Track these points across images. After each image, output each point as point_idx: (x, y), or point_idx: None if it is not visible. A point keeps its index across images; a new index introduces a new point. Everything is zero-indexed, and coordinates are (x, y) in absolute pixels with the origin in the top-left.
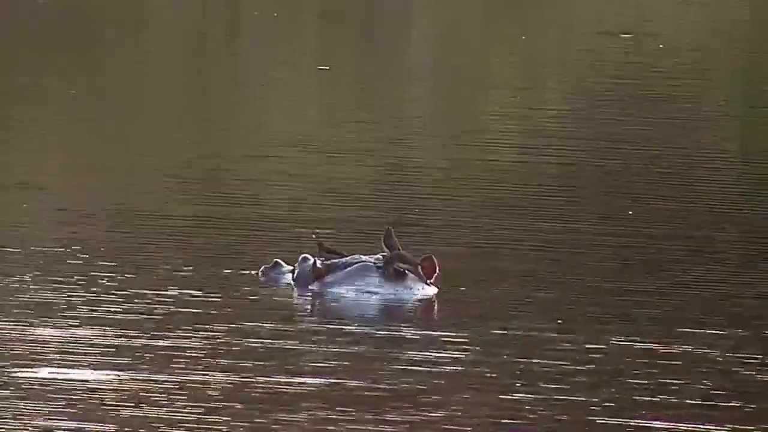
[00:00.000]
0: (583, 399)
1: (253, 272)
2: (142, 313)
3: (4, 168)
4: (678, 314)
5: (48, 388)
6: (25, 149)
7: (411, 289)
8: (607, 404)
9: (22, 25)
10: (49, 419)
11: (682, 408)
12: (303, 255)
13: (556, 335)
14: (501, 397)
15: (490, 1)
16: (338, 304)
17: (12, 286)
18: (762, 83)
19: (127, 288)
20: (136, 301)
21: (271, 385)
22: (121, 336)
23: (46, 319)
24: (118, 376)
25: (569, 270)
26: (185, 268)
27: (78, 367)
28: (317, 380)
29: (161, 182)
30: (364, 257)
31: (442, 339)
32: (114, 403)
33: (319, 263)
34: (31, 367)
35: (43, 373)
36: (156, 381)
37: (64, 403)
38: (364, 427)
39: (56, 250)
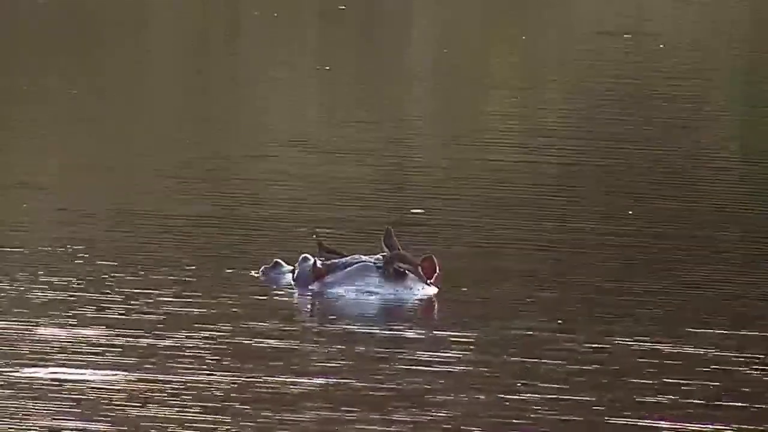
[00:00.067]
0: (588, 399)
1: (253, 272)
2: (144, 313)
3: (4, 168)
4: (682, 314)
5: (51, 388)
6: (25, 149)
7: (411, 289)
8: (611, 404)
9: (22, 25)
10: (52, 419)
11: (687, 408)
12: (303, 255)
13: (558, 335)
14: (505, 397)
15: (490, 1)
16: (339, 304)
17: (13, 286)
18: (762, 83)
19: (128, 288)
20: (137, 301)
21: (275, 385)
22: (123, 336)
23: (48, 319)
24: (122, 376)
25: (572, 270)
26: (186, 268)
27: (81, 367)
28: (321, 380)
29: (161, 182)
30: (364, 257)
31: (445, 339)
32: (117, 403)
33: (319, 263)
34: (34, 367)
35: (47, 373)
36: (160, 381)
37: (67, 403)
38: (369, 427)
39: (56, 250)
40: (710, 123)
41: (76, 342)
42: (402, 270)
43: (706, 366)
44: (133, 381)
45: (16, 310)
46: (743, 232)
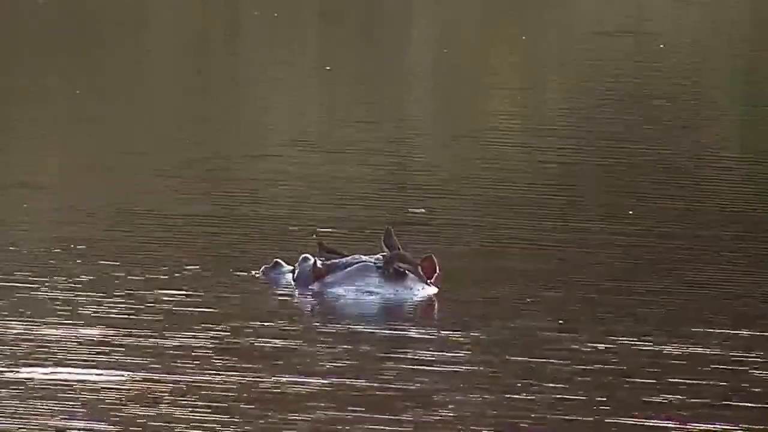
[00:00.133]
0: (592, 399)
1: (253, 272)
2: (146, 313)
3: (4, 168)
4: (685, 314)
5: (53, 388)
6: (25, 149)
7: (411, 289)
8: (615, 404)
9: (22, 25)
10: (55, 419)
11: (691, 408)
12: (303, 255)
13: (562, 335)
14: (510, 397)
15: (490, 1)
16: (340, 304)
17: (14, 286)
18: (762, 83)
19: (129, 288)
20: (138, 301)
21: (280, 385)
22: (126, 336)
23: (50, 319)
24: (125, 375)
25: (574, 269)
26: (187, 268)
27: (83, 366)
28: (326, 380)
29: (161, 182)
30: (364, 257)
31: (448, 339)
32: (120, 403)
33: (319, 263)
34: (37, 367)
35: (49, 373)
36: (163, 381)
37: (69, 403)
38: (374, 427)
39: (57, 250)
40: (711, 123)
41: (78, 342)
42: (402, 270)
43: (710, 366)
44: (137, 381)
45: (16, 310)
46: (746, 231)
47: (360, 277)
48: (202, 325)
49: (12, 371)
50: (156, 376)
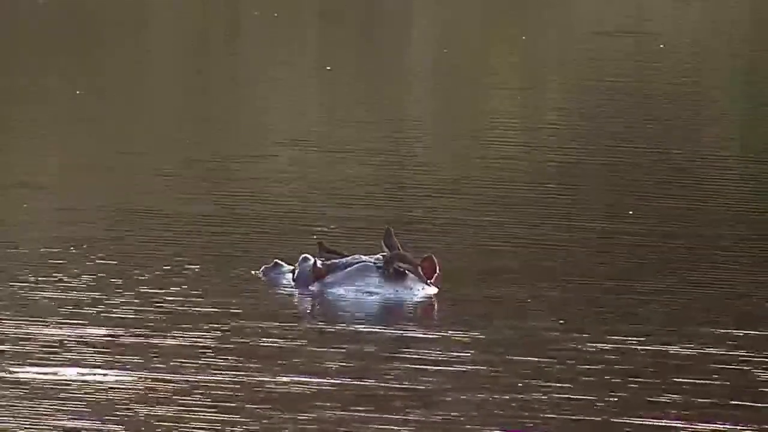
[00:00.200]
0: (595, 399)
1: (253, 272)
2: (147, 313)
3: (4, 168)
4: (689, 314)
5: (56, 387)
6: (25, 149)
7: (411, 289)
8: (620, 404)
9: (22, 25)
10: (58, 419)
11: (696, 408)
12: (303, 255)
13: (564, 335)
14: (514, 397)
15: (490, 1)
16: (340, 304)
17: (14, 287)
18: (762, 83)
19: (130, 288)
20: (140, 301)
21: (283, 385)
22: (128, 336)
23: (51, 319)
24: (128, 375)
25: (577, 269)
26: (187, 268)
27: (85, 366)
28: (328, 380)
29: (161, 182)
30: (364, 257)
31: (450, 339)
32: (124, 402)
33: (319, 263)
34: (39, 367)
35: (51, 373)
36: (167, 380)
37: (72, 402)
38: (376, 427)
39: (57, 250)
40: (711, 123)
41: (79, 342)
42: (402, 270)
43: (714, 366)
44: (141, 380)
45: (17, 310)
46: (749, 231)
47: (360, 277)
48: (204, 325)
49: (15, 371)
50: (160, 376)
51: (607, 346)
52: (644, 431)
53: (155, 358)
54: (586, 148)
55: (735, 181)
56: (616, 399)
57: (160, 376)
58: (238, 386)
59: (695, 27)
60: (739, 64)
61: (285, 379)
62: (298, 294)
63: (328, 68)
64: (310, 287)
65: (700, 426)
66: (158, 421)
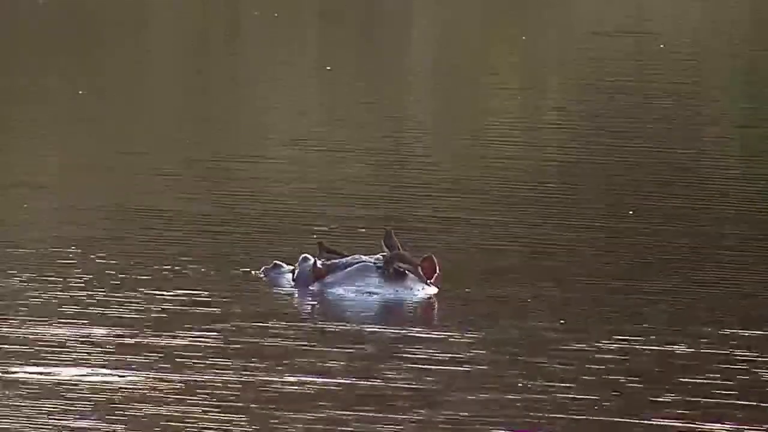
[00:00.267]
0: (600, 398)
1: (254, 271)
2: (148, 313)
3: (4, 168)
4: (692, 313)
5: (58, 387)
6: (25, 149)
7: (411, 289)
8: (624, 404)
9: (22, 25)
10: (60, 418)
11: (699, 408)
12: (303, 255)
13: (567, 335)
14: (516, 396)
15: (490, 1)
16: (341, 305)
17: (15, 287)
18: (762, 83)
19: (131, 288)
20: (141, 301)
21: (284, 385)
22: (130, 336)
23: (52, 318)
24: (131, 375)
25: (579, 269)
26: (188, 267)
27: (87, 366)
28: (330, 379)
29: (161, 182)
30: (364, 257)
31: (452, 339)
32: (127, 402)
33: (319, 263)
34: (40, 367)
35: (52, 372)
36: (167, 380)
37: (74, 402)
38: (378, 426)
39: (58, 249)
40: (711, 122)
41: (81, 342)
42: (402, 270)
43: (718, 365)
44: (143, 380)
45: (18, 310)
46: (753, 231)
47: (360, 277)
48: (206, 324)
49: (16, 371)
50: (163, 375)
51: (612, 346)
52: (649, 431)
53: (158, 358)
54: (586, 148)
55: (738, 181)
56: (620, 399)
57: (163, 375)
58: (242, 386)
59: (695, 27)
60: (739, 64)
61: (290, 378)
62: (299, 294)
63: (328, 68)
64: (310, 287)
65: (705, 426)
66: (161, 421)
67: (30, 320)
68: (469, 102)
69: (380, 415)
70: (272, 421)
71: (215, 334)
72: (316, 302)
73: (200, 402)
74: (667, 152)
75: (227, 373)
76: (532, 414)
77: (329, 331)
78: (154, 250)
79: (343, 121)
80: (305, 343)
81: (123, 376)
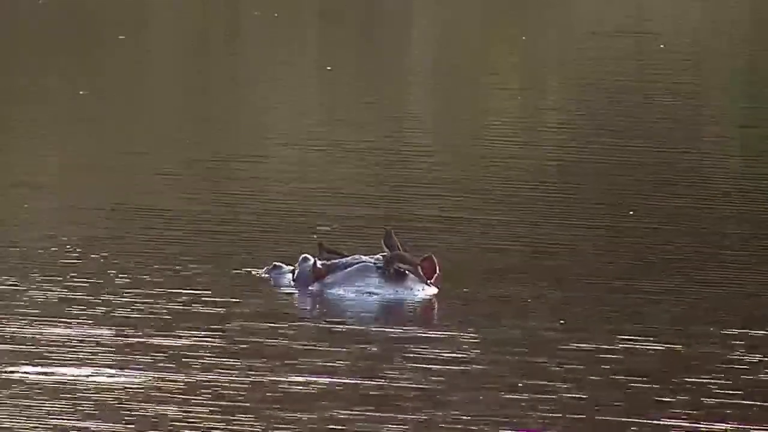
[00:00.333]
0: (602, 399)
1: (254, 272)
2: (151, 313)
3: (4, 168)
4: (694, 313)
5: (60, 387)
6: (25, 149)
7: (411, 289)
8: (625, 404)
9: (22, 25)
10: (62, 418)
11: (701, 408)
12: (303, 255)
13: (569, 335)
14: (517, 396)
15: (490, 1)
16: (342, 305)
17: (16, 287)
18: (762, 83)
19: (131, 288)
20: (143, 300)
21: (289, 385)
22: (132, 335)
23: (53, 318)
24: (132, 375)
25: (580, 269)
26: (188, 267)
27: (89, 366)
28: (333, 379)
29: (161, 182)
30: (364, 257)
31: (454, 338)
32: (128, 402)
33: (319, 264)
34: (42, 367)
35: (54, 372)
36: (172, 380)
37: (75, 402)
38: (380, 426)
39: (58, 249)
40: (711, 122)
41: (82, 341)
42: (402, 270)
43: (719, 366)
44: (145, 380)
45: (18, 310)
46: (754, 230)
47: (360, 277)
48: (207, 324)
49: (19, 371)
50: (165, 375)
51: (613, 346)
52: (651, 431)
53: (162, 358)
54: (586, 148)
55: (740, 181)
56: (622, 399)
57: (167, 375)
58: (247, 386)
59: (695, 27)
60: (739, 64)
61: (295, 378)
62: (299, 294)
63: (328, 68)
64: (310, 287)
65: (708, 426)
66: (166, 421)
67: (31, 320)
68: (469, 102)
69: (384, 414)
70: (277, 420)
71: (217, 333)
72: (317, 302)
73: (205, 402)
74: (667, 152)
75: (232, 373)
76: (534, 414)
77: (333, 331)
78: (155, 250)
79: (343, 121)
80: (309, 343)
81: (127, 376)
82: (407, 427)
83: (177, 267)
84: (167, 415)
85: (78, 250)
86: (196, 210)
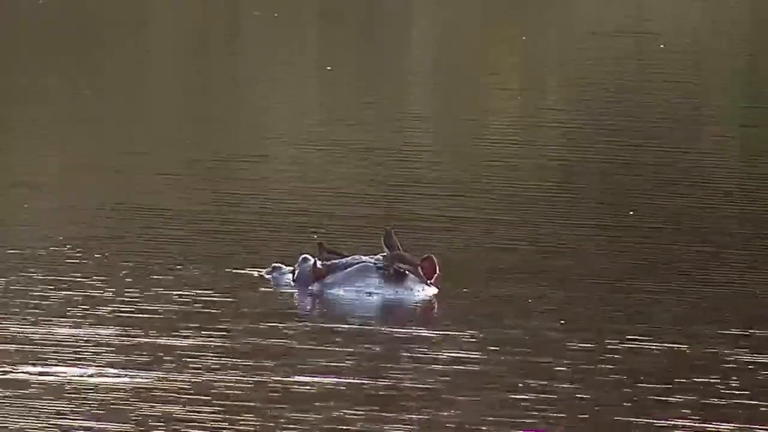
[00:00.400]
0: (604, 398)
1: (255, 273)
2: (153, 313)
3: (4, 168)
4: (697, 313)
5: (61, 387)
6: (25, 149)
7: (411, 290)
8: (627, 404)
9: (22, 25)
10: (64, 418)
11: (705, 408)
12: (303, 255)
13: (571, 335)
14: (519, 396)
15: (490, 1)
16: (342, 305)
17: (15, 286)
18: (762, 83)
19: (132, 288)
20: (144, 300)
21: (292, 385)
22: (133, 335)
23: (53, 319)
24: (134, 375)
25: (582, 269)
26: (188, 268)
27: (91, 366)
28: (334, 379)
29: (162, 182)
30: (364, 257)
31: (453, 338)
32: (130, 401)
33: (319, 264)
34: (43, 367)
35: (57, 372)
36: (175, 380)
37: (78, 402)
38: (382, 426)
39: (58, 249)
40: (712, 122)
41: (83, 341)
42: (402, 270)
43: (721, 366)
44: (149, 380)
45: (18, 310)
46: (756, 230)
47: (360, 277)
48: (208, 324)
49: (19, 371)
50: (170, 375)
51: (615, 346)
52: (654, 431)
53: (165, 358)
54: (586, 148)
55: (742, 181)
56: (625, 398)
57: (171, 375)
58: (249, 386)
59: (695, 27)
60: (739, 64)
61: (298, 378)
62: (299, 294)
63: (328, 68)
64: (310, 288)
65: (710, 426)
66: (169, 421)
67: (32, 320)
68: (469, 102)
69: (388, 414)
70: (280, 420)
71: (220, 334)
72: (317, 302)
73: (208, 402)
74: (668, 152)
75: (235, 373)
76: (536, 414)
77: (333, 331)
78: (155, 250)
79: (343, 121)
80: (311, 343)
81: (130, 376)
82: (411, 427)
83: (177, 267)
84: (172, 415)
85: (78, 250)
86: (196, 210)
